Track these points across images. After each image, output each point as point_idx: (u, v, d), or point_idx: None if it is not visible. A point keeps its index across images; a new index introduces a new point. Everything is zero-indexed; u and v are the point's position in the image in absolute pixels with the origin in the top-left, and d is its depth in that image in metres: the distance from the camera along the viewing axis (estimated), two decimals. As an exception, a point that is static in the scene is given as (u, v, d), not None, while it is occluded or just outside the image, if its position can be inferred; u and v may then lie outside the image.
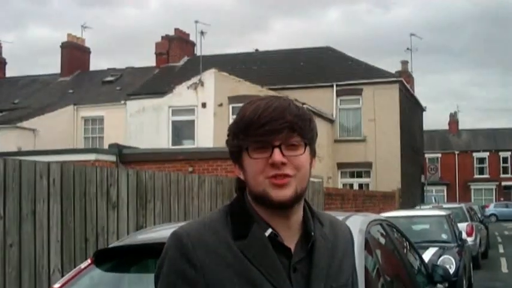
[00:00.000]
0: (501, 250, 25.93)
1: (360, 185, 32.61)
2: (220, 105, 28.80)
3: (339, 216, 4.28)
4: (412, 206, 27.03)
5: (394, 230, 5.55)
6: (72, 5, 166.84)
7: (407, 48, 41.67)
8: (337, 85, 32.79)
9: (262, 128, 2.00)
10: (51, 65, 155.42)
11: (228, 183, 12.29)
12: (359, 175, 33.17)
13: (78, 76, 40.79)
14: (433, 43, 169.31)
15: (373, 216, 5.02)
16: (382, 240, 4.89)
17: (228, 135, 2.18)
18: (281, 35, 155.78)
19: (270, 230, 2.00)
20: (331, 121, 32.43)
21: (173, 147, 27.35)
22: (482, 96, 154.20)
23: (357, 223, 4.19)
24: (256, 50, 41.61)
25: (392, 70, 36.35)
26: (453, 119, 77.06)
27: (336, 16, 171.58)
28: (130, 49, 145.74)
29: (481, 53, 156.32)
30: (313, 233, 2.09)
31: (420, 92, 54.05)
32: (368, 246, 4.01)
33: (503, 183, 71.54)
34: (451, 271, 11.48)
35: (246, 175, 2.08)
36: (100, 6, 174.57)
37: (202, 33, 31.66)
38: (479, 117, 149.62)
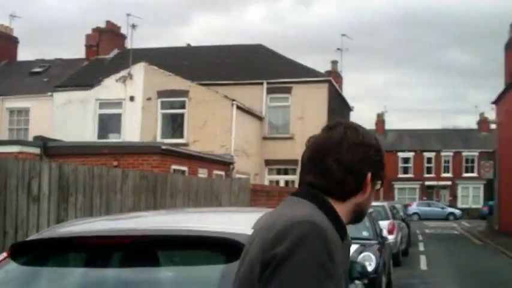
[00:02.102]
0: (421, 248, 26.55)
1: (287, 182, 32.82)
2: (149, 99, 28.60)
3: (258, 212, 4.33)
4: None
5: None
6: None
7: (338, 49, 42.15)
8: (267, 83, 32.97)
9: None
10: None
11: (152, 179, 12.24)
12: (286, 172, 33.41)
13: (4, 66, 39.83)
14: (357, 43, 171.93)
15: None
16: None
17: (380, 164, 2.33)
18: (204, 30, 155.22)
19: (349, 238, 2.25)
20: (260, 118, 32.56)
21: (99, 140, 27.00)
22: (406, 96, 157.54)
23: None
24: (188, 45, 41.51)
25: (321, 70, 36.67)
26: (380, 119, 78.34)
27: (259, 13, 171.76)
28: (60, 40, 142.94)
29: (404, 54, 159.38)
30: None
31: (348, 91, 54.86)
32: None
33: (427, 183, 73.13)
34: (371, 268, 11.72)
35: (365, 196, 2.29)
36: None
37: (133, 26, 31.38)
38: (404, 117, 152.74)
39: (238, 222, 4.03)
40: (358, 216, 2.33)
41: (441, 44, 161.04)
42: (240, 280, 2.18)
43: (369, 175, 2.25)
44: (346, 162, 2.21)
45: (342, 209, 2.24)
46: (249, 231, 3.62)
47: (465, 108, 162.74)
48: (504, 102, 38.00)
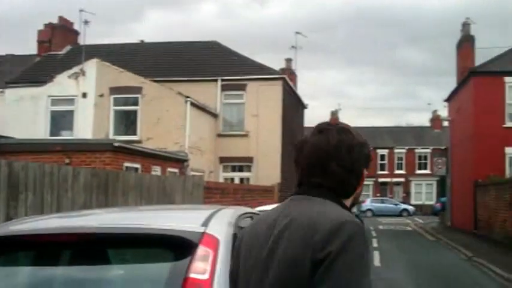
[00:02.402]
0: (375, 244, 26.75)
1: (241, 179, 32.83)
2: (102, 95, 28.30)
3: (210, 209, 4.32)
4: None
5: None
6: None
7: (292, 46, 42.25)
8: (221, 80, 32.91)
9: None
10: None
11: (104, 176, 12.12)
12: (240, 169, 33.39)
13: (-46, 62, 39.12)
14: (311, 41, 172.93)
15: (243, 209, 5.05)
16: (251, 234, 4.93)
17: (369, 157, 2.65)
18: (158, 27, 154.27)
19: None
20: (214, 115, 32.49)
21: (51, 137, 26.62)
22: (360, 94, 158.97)
23: (227, 216, 4.21)
24: (142, 41, 41.20)
25: (275, 67, 36.72)
26: (334, 117, 78.75)
27: (212, 9, 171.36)
28: (12, 36, 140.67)
29: (356, 52, 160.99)
30: None
31: (302, 89, 55.05)
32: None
33: (380, 180, 73.92)
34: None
35: (360, 188, 2.60)
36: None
37: (86, 22, 30.98)
38: (357, 115, 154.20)
39: (188, 220, 4.02)
40: (354, 205, 2.61)
41: (394, 42, 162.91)
42: (276, 278, 2.27)
43: (364, 170, 2.58)
44: (346, 164, 2.47)
45: (347, 204, 2.54)
46: (199, 229, 3.64)
47: (418, 106, 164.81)
48: (456, 100, 38.57)
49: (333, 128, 2.54)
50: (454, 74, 39.90)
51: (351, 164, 2.48)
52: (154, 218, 4.43)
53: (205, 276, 3.37)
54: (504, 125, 31.39)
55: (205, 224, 3.74)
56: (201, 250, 3.48)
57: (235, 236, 3.97)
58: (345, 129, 2.57)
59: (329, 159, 2.46)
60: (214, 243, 3.57)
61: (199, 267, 3.39)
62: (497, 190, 26.44)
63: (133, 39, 44.81)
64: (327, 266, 2.14)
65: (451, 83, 39.14)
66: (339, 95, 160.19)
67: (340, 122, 2.65)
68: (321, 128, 2.56)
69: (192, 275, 3.34)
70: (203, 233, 3.60)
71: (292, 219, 2.34)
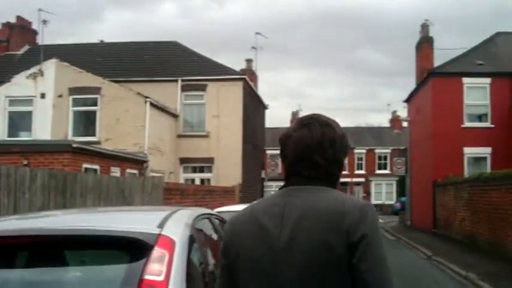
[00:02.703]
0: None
1: (202, 180, 32.72)
2: (60, 96, 27.96)
3: (166, 211, 4.27)
4: (252, 201, 27.33)
5: (224, 224, 5.60)
6: None
7: (253, 47, 42.29)
8: (182, 80, 32.78)
9: None
10: None
11: (61, 178, 11.98)
12: (201, 170, 33.26)
13: None
14: (271, 42, 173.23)
15: (200, 210, 5.04)
16: (210, 234, 4.92)
17: (348, 146, 2.80)
18: (117, 27, 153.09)
19: None
20: (175, 116, 32.33)
21: (9, 139, 26.25)
22: (319, 95, 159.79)
23: (183, 217, 4.19)
24: (101, 41, 40.87)
25: (236, 68, 36.68)
26: (295, 117, 79.05)
27: (172, 9, 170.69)
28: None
29: (316, 52, 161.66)
30: None
31: (263, 90, 55.11)
32: (194, 239, 4.01)
33: (341, 180, 74.08)
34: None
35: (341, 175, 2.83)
36: None
37: (44, 22, 30.61)
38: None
39: (144, 222, 4.00)
40: None
41: (354, 43, 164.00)
42: (313, 253, 2.39)
43: (344, 159, 2.74)
44: (329, 156, 2.65)
45: None
46: (155, 230, 3.60)
47: (378, 107, 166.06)
48: (415, 100, 38.96)
49: (315, 122, 2.69)
50: (413, 75, 40.30)
51: (334, 155, 2.66)
52: (111, 219, 4.38)
53: (161, 278, 3.37)
54: (463, 125, 31.79)
55: (161, 225, 3.73)
56: (156, 252, 3.47)
57: (192, 238, 3.94)
58: (326, 123, 2.70)
59: (313, 152, 2.62)
60: (170, 245, 3.56)
61: (155, 269, 3.39)
62: (455, 190, 26.74)
63: (93, 39, 44.35)
64: (363, 248, 2.36)
65: (411, 84, 39.64)
66: (299, 95, 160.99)
67: (321, 115, 2.77)
68: (304, 122, 2.71)
69: (147, 277, 3.34)
70: (159, 235, 3.60)
71: (307, 209, 2.48)
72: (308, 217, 2.44)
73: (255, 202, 2.83)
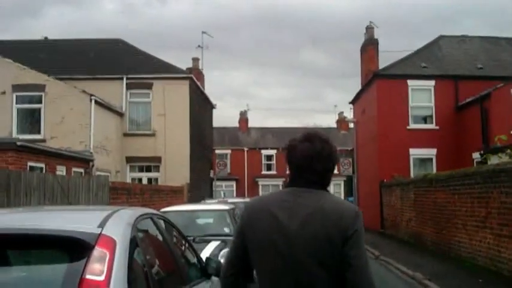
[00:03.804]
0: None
1: (150, 180, 32.52)
2: (3, 93, 27.44)
3: (108, 210, 4.20)
4: (201, 200, 27.32)
5: (168, 224, 5.55)
6: None
7: (198, 46, 42.27)
8: (127, 78, 32.49)
9: None
10: None
11: (4, 176, 11.76)
12: (148, 169, 33.05)
13: None
14: (215, 41, 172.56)
15: (143, 210, 4.97)
16: (152, 234, 4.87)
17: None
18: (57, 24, 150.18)
19: None
20: (120, 114, 32.04)
21: (-50, 136, 25.66)
22: (265, 95, 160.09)
23: (125, 217, 4.13)
24: (45, 38, 40.25)
25: (181, 67, 36.55)
26: (243, 117, 79.20)
27: (113, 7, 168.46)
28: None
29: (260, 53, 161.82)
30: None
31: (211, 89, 55.08)
32: (136, 239, 3.95)
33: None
34: (232, 264, 11.69)
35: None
36: None
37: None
38: (264, 116, 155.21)
39: (85, 221, 3.94)
40: None
41: (297, 43, 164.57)
42: (320, 240, 3.19)
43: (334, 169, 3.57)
44: (326, 166, 3.45)
45: None
46: (95, 230, 3.54)
47: (324, 108, 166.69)
48: (360, 102, 39.34)
49: (316, 138, 3.50)
50: (358, 77, 40.66)
51: (329, 165, 3.47)
52: (52, 218, 4.30)
53: (102, 278, 3.34)
54: (408, 127, 32.20)
55: (101, 225, 3.69)
56: (97, 251, 3.44)
57: (134, 238, 3.89)
58: (325, 140, 3.53)
59: (315, 162, 3.40)
60: (110, 245, 3.52)
61: (95, 268, 3.36)
62: (401, 190, 27.05)
63: (31, 35, 43.69)
64: (354, 240, 3.20)
65: (356, 85, 39.96)
66: (246, 95, 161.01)
67: (321, 133, 3.60)
68: (308, 137, 3.51)
69: (88, 276, 3.32)
70: (99, 234, 3.56)
71: (314, 208, 3.27)
72: (315, 214, 3.24)
73: (264, 195, 3.71)
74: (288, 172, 3.60)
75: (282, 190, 3.54)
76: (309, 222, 3.22)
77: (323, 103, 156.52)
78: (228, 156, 71.98)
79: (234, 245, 3.49)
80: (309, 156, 3.40)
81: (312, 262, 3.17)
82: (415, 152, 32.16)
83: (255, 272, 3.41)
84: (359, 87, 39.82)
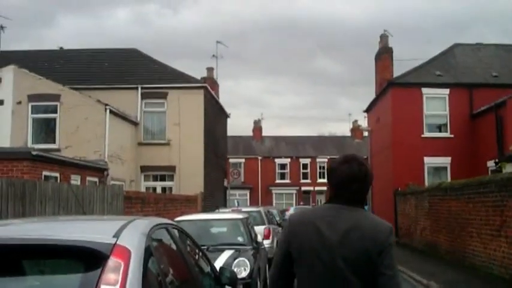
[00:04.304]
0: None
1: (164, 189, 32.58)
2: (19, 103, 27.61)
3: (123, 220, 4.21)
4: (215, 210, 27.32)
5: (182, 234, 5.56)
6: None
7: (213, 55, 42.39)
8: (142, 88, 32.63)
9: None
10: None
11: (20, 186, 11.81)
12: (162, 179, 33.11)
13: None
14: (227, 50, 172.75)
15: (158, 220, 4.98)
16: (166, 244, 4.87)
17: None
18: (71, 34, 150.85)
19: None
20: (135, 124, 32.16)
21: (-33, 146, 25.82)
22: (278, 104, 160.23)
23: (140, 227, 4.15)
24: (61, 48, 40.51)
25: (197, 76, 36.64)
26: (257, 126, 79.24)
27: (126, 16, 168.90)
28: None
29: (272, 61, 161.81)
30: None
31: (224, 98, 55.16)
32: (150, 249, 3.97)
33: (303, 188, 74.57)
34: (246, 273, 11.71)
35: None
36: None
37: (1, 27, 30.25)
38: (278, 124, 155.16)
39: (100, 231, 3.95)
40: None
41: (310, 52, 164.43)
42: (359, 252, 3.62)
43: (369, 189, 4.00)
44: (363, 186, 3.88)
45: None
46: (110, 240, 3.56)
47: (338, 116, 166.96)
48: (375, 110, 39.25)
49: (355, 161, 3.91)
50: (370, 85, 40.64)
51: (365, 185, 3.89)
52: (67, 228, 4.33)
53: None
54: (423, 135, 32.10)
55: (116, 235, 3.70)
56: (111, 261, 3.44)
57: (148, 248, 3.91)
58: (362, 162, 3.93)
59: (353, 182, 3.82)
60: (125, 255, 3.53)
61: (110, 279, 3.37)
62: (416, 199, 26.92)
63: (47, 45, 43.97)
64: (388, 252, 3.64)
65: (368, 93, 40.00)
66: (259, 104, 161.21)
67: (358, 156, 4.02)
68: (347, 160, 3.92)
69: (103, 286, 3.32)
70: (114, 244, 3.57)
71: (354, 223, 3.70)
72: (355, 230, 3.66)
73: (306, 210, 4.20)
74: (327, 189, 4.22)
75: (323, 206, 4.01)
76: (348, 236, 3.66)
77: (335, 111, 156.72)
78: (242, 165, 72.01)
79: (281, 251, 3.94)
80: (347, 177, 3.83)
81: (349, 270, 3.61)
82: (429, 161, 32.05)
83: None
84: (372, 95, 39.79)
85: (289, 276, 3.92)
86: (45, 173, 20.00)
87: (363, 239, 3.65)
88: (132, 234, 3.85)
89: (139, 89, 32.58)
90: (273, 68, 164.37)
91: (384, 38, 38.31)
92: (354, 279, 3.61)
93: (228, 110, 44.24)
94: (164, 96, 32.81)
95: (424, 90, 32.40)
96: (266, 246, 17.84)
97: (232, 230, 14.35)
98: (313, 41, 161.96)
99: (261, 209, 24.48)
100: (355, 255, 3.62)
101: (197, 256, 6.04)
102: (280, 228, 26.34)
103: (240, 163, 72.13)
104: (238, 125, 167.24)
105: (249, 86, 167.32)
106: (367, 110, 42.24)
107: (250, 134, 78.95)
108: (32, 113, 27.94)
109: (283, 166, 75.70)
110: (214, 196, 36.51)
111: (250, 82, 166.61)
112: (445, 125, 32.53)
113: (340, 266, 3.62)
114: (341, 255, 3.63)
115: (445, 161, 31.98)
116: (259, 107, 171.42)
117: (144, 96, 32.73)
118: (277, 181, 74.98)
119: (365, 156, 53.22)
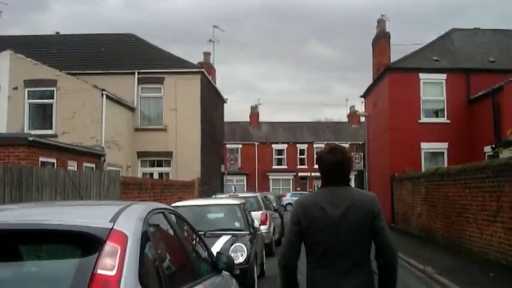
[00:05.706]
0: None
1: (161, 174, 32.56)
2: (15, 88, 27.54)
3: (119, 205, 4.21)
4: (211, 195, 27.33)
5: (179, 219, 5.56)
6: None
7: (210, 40, 42.29)
8: (138, 73, 32.54)
9: None
10: None
11: (17, 171, 11.80)
12: (159, 164, 33.09)
13: None
14: (222, 35, 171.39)
15: (155, 205, 4.98)
16: (163, 229, 4.87)
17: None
18: (64, 18, 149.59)
19: None
20: (131, 109, 32.10)
21: (-37, 131, 25.78)
22: (274, 89, 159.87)
23: (136, 212, 4.15)
24: (57, 33, 40.37)
25: (194, 61, 36.53)
26: (254, 112, 79.20)
27: (117, 1, 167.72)
28: None
29: (268, 46, 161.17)
30: None
31: (220, 83, 54.93)
32: (147, 234, 3.97)
33: (300, 174, 74.66)
34: (243, 258, 11.77)
35: None
36: None
37: (-2, 12, 30.08)
38: (274, 110, 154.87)
39: (97, 216, 3.95)
40: None
41: (305, 36, 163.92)
42: (356, 222, 4.48)
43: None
44: (348, 169, 4.74)
45: None
46: (107, 225, 3.56)
47: (333, 101, 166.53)
48: (372, 95, 39.23)
49: (338, 150, 4.76)
50: (365, 70, 40.73)
51: (349, 168, 4.76)
52: (63, 213, 4.34)
53: (113, 272, 3.36)
54: (420, 121, 32.09)
55: (113, 219, 3.71)
56: (108, 246, 3.46)
57: (145, 232, 3.90)
58: (344, 151, 4.78)
59: (338, 167, 4.66)
60: (122, 239, 3.54)
61: (107, 263, 3.38)
62: (413, 184, 26.96)
63: (42, 31, 43.80)
64: (377, 214, 4.54)
65: (364, 79, 39.86)
66: (255, 89, 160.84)
67: (340, 146, 4.94)
68: (331, 150, 4.77)
69: (99, 271, 3.33)
70: (111, 229, 3.58)
71: (351, 200, 4.53)
72: (354, 205, 4.51)
73: (309, 194, 5.03)
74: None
75: (321, 189, 4.77)
76: (348, 210, 4.49)
77: (331, 96, 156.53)
78: (239, 151, 72.08)
79: (293, 231, 4.64)
80: (333, 163, 4.67)
81: (352, 238, 4.47)
82: (426, 146, 32.06)
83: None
84: (368, 81, 39.75)
85: (299, 253, 4.66)
86: (42, 159, 19.96)
87: (359, 210, 4.51)
88: (129, 219, 3.85)
89: (136, 74, 32.49)
90: (268, 53, 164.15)
91: (381, 22, 38.21)
92: (357, 241, 4.50)
93: (224, 94, 44.20)
94: (161, 81, 32.74)
95: (421, 75, 32.36)
96: (263, 231, 17.88)
97: (229, 216, 14.37)
98: (309, 26, 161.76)
99: (258, 194, 24.49)
100: (355, 225, 4.48)
101: (194, 241, 6.04)
102: (277, 214, 26.39)
103: (237, 149, 72.20)
104: (234, 111, 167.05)
105: (245, 71, 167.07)
106: (364, 96, 42.22)
107: (247, 119, 78.92)
108: (28, 98, 27.86)
109: (280, 152, 75.79)
110: (211, 182, 36.53)
111: (245, 67, 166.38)
112: (442, 110, 32.52)
113: (342, 236, 4.46)
114: (345, 227, 4.47)
115: (441, 146, 31.99)
116: (255, 92, 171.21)
117: (140, 81, 32.65)
118: (274, 167, 75.09)
119: (361, 142, 53.29)
